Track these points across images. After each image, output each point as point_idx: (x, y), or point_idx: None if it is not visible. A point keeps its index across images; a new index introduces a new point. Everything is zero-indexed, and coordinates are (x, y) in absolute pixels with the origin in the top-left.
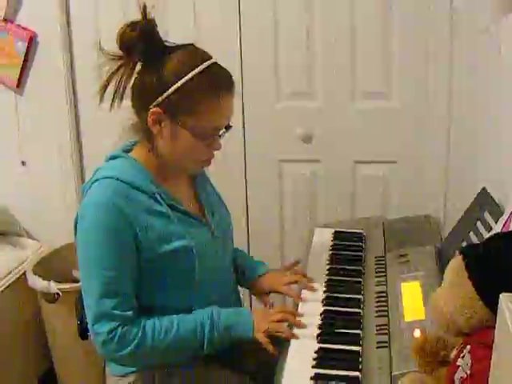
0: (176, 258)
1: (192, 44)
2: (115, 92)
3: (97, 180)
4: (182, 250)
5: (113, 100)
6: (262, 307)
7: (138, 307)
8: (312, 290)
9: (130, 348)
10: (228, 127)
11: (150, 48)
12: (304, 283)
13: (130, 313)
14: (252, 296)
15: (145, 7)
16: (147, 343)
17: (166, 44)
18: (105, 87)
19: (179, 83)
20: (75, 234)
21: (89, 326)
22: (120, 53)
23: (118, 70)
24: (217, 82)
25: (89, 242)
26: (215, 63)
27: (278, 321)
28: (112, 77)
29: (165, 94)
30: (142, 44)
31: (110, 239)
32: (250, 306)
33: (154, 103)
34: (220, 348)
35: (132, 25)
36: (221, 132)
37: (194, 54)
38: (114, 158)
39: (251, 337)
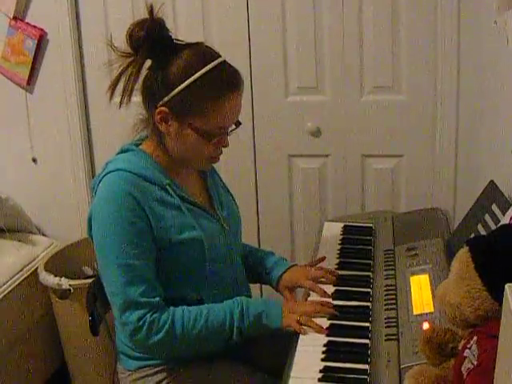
0: (187, 248)
1: (201, 42)
2: (124, 89)
3: (108, 173)
4: (192, 241)
5: (122, 97)
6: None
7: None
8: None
9: (159, 335)
10: (237, 124)
11: (158, 47)
12: (329, 279)
13: (157, 299)
14: (262, 292)
15: (151, 6)
16: (177, 331)
17: (175, 42)
18: (115, 84)
19: (185, 84)
20: (89, 228)
21: (116, 318)
22: (130, 50)
23: (127, 67)
24: (223, 83)
25: (107, 233)
26: (223, 62)
27: (311, 313)
28: (122, 74)
29: (171, 94)
30: (150, 43)
31: (128, 228)
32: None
33: (161, 102)
34: (248, 337)
35: (140, 24)
36: (229, 130)
37: (201, 53)
38: (124, 151)
39: (279, 326)
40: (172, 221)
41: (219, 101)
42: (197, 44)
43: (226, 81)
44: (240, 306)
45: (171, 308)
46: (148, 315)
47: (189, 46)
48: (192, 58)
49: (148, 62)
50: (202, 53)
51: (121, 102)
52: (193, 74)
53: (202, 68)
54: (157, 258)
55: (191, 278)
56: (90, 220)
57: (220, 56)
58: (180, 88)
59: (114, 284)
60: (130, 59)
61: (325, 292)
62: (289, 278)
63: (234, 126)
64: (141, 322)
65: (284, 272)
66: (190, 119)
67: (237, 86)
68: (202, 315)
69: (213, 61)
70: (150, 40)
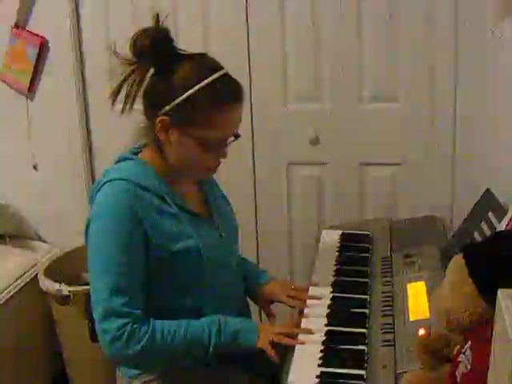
0: (185, 257)
1: (204, 53)
2: (127, 96)
3: (107, 182)
4: (190, 250)
5: (124, 104)
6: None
7: (145, 308)
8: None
9: (138, 347)
10: (236, 136)
11: (161, 56)
12: (300, 298)
13: (138, 311)
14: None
15: (157, 15)
16: (156, 344)
17: (179, 52)
18: (117, 91)
19: (186, 94)
20: (86, 234)
21: (96, 325)
22: (133, 58)
23: (130, 74)
24: (225, 95)
25: (101, 241)
26: (226, 74)
27: (285, 334)
28: (124, 81)
29: (172, 104)
30: (153, 51)
31: (123, 238)
32: (259, 310)
33: (162, 111)
34: (224, 353)
35: (145, 32)
36: (228, 141)
37: (204, 64)
38: (122, 160)
39: (255, 345)
40: (170, 230)
41: (220, 112)
42: (200, 55)
43: (228, 93)
44: (218, 324)
45: (151, 320)
46: (129, 326)
47: (192, 56)
48: (195, 68)
49: (150, 71)
50: (205, 64)
51: (123, 110)
52: (195, 85)
53: (204, 79)
54: (155, 267)
55: (190, 287)
56: (87, 228)
57: (223, 68)
58: (181, 98)
59: (99, 291)
60: (132, 66)
61: (303, 304)
62: (267, 292)
63: (232, 138)
64: (121, 332)
65: (262, 285)
66: (190, 129)
67: (238, 99)
68: (181, 330)
69: (215, 72)
70: (154, 48)
